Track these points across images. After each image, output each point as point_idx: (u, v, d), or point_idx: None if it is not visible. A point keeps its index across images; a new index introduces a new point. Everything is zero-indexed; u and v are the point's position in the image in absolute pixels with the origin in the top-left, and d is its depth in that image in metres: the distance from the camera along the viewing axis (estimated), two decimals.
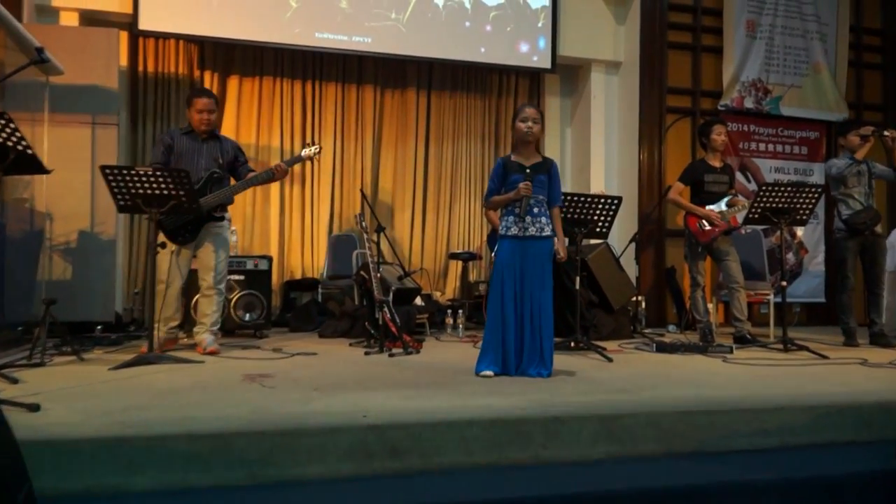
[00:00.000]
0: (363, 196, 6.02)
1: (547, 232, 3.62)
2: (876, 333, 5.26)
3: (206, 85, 6.52)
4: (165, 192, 3.92)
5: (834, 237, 5.43)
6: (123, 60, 6.26)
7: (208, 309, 4.50)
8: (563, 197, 4.51)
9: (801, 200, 4.91)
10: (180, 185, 3.93)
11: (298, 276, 6.75)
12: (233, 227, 6.33)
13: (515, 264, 3.57)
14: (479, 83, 7.34)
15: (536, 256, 3.59)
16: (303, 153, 4.75)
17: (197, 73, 6.56)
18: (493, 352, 3.55)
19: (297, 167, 6.81)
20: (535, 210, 3.62)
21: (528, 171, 3.63)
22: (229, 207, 4.69)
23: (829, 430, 2.86)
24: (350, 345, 4.91)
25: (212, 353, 4.33)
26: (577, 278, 4.67)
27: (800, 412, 2.88)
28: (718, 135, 5.33)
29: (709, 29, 7.09)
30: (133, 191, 3.90)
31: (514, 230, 3.60)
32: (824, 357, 4.41)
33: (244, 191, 4.61)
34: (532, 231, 3.60)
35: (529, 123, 3.65)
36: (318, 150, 4.79)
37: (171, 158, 4.45)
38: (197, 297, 4.71)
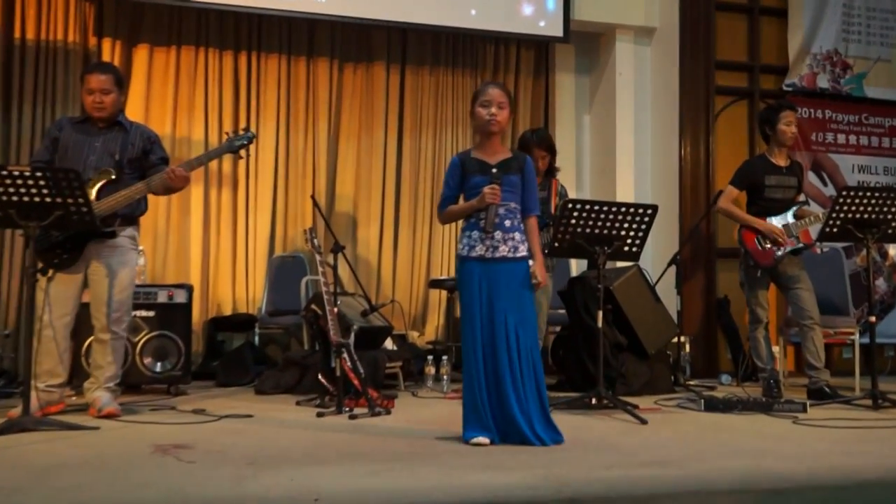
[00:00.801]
0: (315, 205, 6.02)
1: (522, 252, 3.63)
2: None
3: (106, 57, 6.51)
4: (49, 199, 3.90)
5: None
6: None
7: (103, 358, 4.46)
8: (579, 206, 4.55)
9: (893, 209, 4.97)
10: (69, 189, 3.91)
11: (228, 311, 6.72)
12: (140, 247, 6.29)
13: (485, 295, 3.59)
14: (469, 56, 7.39)
15: (512, 284, 3.61)
16: (224, 146, 4.68)
17: (93, 40, 6.56)
18: (480, 411, 3.55)
19: (225, 165, 6.81)
20: (507, 223, 3.64)
21: (494, 170, 3.65)
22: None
23: None
24: (298, 403, 4.87)
25: (109, 416, 4.27)
26: (600, 313, 4.68)
27: (893, 490, 2.89)
28: (787, 125, 5.39)
29: None
30: (4, 198, 3.87)
31: (479, 249, 3.62)
32: None
33: (133, 199, 4.43)
34: (503, 251, 3.61)
35: (493, 109, 3.67)
36: (248, 140, 4.69)
37: (56, 156, 4.44)
38: (89, 340, 4.66)
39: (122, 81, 4.67)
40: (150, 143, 4.60)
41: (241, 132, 4.74)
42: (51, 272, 4.31)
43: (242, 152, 4.72)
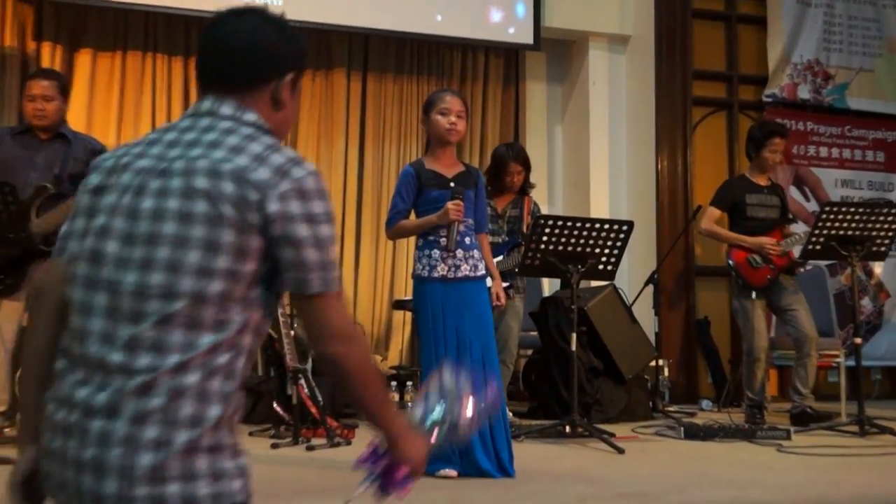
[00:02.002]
0: None
1: (482, 270, 3.66)
2: None
3: (45, 62, 6.43)
4: None
5: None
6: None
7: None
8: (551, 222, 4.56)
9: (878, 225, 5.03)
10: (2, 204, 3.84)
11: None
12: None
13: (448, 317, 3.58)
14: (435, 63, 7.40)
15: (475, 305, 3.60)
16: None
17: (32, 45, 6.48)
18: None
19: None
20: (467, 240, 3.65)
21: (451, 184, 3.65)
22: None
23: None
24: (250, 434, 4.81)
25: None
26: (574, 336, 4.68)
27: None
28: (773, 152, 5.48)
29: None
30: None
31: (440, 269, 3.61)
32: None
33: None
34: (465, 270, 3.62)
35: (453, 118, 3.68)
36: None
37: None
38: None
39: (66, 89, 4.63)
40: (94, 157, 4.54)
41: None
42: None
43: None
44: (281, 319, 4.78)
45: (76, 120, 6.38)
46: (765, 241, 5.30)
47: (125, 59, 6.68)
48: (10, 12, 6.41)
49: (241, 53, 1.55)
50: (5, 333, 4.30)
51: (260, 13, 1.61)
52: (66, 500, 1.36)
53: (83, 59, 6.61)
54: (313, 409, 4.56)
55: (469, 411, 1.70)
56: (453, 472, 3.47)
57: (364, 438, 4.65)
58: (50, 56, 6.49)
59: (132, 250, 1.38)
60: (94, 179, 1.50)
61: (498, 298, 3.69)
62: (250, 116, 1.51)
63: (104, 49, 6.65)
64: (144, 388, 1.32)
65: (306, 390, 4.59)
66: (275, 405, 4.86)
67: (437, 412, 1.68)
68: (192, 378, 1.35)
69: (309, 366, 4.89)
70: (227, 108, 1.51)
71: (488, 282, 3.69)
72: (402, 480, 1.61)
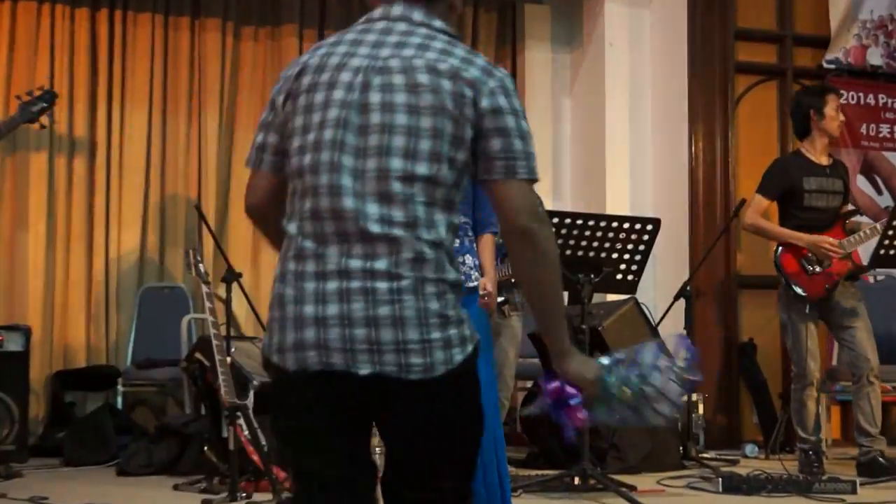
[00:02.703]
0: (201, 217, 5.97)
1: (473, 282, 3.62)
2: None
3: None
4: None
5: None
6: None
7: None
8: (556, 220, 4.57)
9: None
10: None
11: (81, 363, 6.63)
12: None
13: None
14: None
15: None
16: (16, 115, 4.75)
17: None
18: None
19: (77, 163, 6.74)
20: (455, 243, 3.65)
21: None
22: None
23: None
24: (175, 487, 4.83)
25: None
26: None
27: None
28: (833, 112, 5.48)
29: None
30: None
31: None
32: None
33: None
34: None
35: None
36: (46, 102, 4.78)
37: None
38: None
39: None
40: None
41: (37, 93, 4.74)
42: None
43: (44, 119, 4.74)
44: (215, 343, 4.77)
45: None
46: (825, 239, 5.29)
47: (16, 10, 6.67)
48: None
49: None
50: None
51: None
52: (325, 361, 1.83)
53: None
54: (255, 457, 4.56)
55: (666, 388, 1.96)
56: None
57: None
58: None
59: (367, 139, 1.84)
60: (301, 81, 1.95)
61: (486, 289, 3.67)
62: (438, 23, 1.96)
63: None
64: (416, 257, 1.82)
65: (246, 433, 4.59)
66: (206, 451, 4.86)
67: (630, 375, 1.94)
68: (442, 248, 1.87)
69: (250, 401, 4.89)
70: (418, 15, 1.95)
71: (483, 285, 3.67)
72: (574, 406, 1.92)
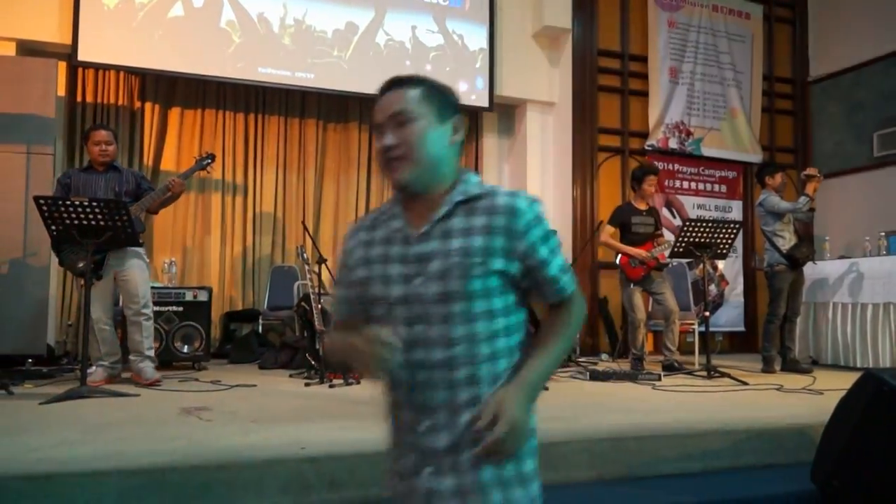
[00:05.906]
0: (305, 228, 5.98)
1: None
2: (790, 360, 5.49)
3: (147, 116, 6.41)
4: (102, 223, 3.83)
5: (772, 269, 5.45)
6: (62, 90, 6.07)
7: (139, 335, 4.37)
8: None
9: (721, 235, 5.14)
10: (117, 215, 3.83)
11: (239, 307, 6.61)
12: (172, 259, 6.17)
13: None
14: None
15: None
16: (195, 165, 4.69)
17: (137, 104, 6.43)
18: None
19: (238, 196, 6.73)
20: None
21: None
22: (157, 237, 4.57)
23: (748, 454, 2.96)
24: (290, 376, 4.82)
25: (152, 385, 4.19)
26: None
27: (721, 437, 2.98)
28: (650, 185, 5.55)
29: (635, 74, 7.37)
30: (68, 221, 3.78)
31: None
32: (744, 384, 4.56)
33: (143, 211, 4.44)
34: None
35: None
36: (210, 159, 4.74)
37: (70, 195, 4.34)
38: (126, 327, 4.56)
39: (116, 137, 4.66)
40: (139, 179, 4.60)
41: (205, 154, 4.78)
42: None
43: (210, 168, 4.78)
44: (312, 297, 4.79)
45: (169, 160, 6.43)
46: (642, 252, 5.39)
47: (203, 116, 6.65)
48: (123, 80, 6.36)
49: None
50: (104, 302, 4.33)
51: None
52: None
53: (174, 115, 6.58)
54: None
55: None
56: None
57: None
58: (151, 112, 6.45)
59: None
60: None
61: None
62: None
63: (189, 107, 6.62)
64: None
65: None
66: (307, 356, 4.88)
67: None
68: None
69: (330, 328, 4.91)
70: None
71: None
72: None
